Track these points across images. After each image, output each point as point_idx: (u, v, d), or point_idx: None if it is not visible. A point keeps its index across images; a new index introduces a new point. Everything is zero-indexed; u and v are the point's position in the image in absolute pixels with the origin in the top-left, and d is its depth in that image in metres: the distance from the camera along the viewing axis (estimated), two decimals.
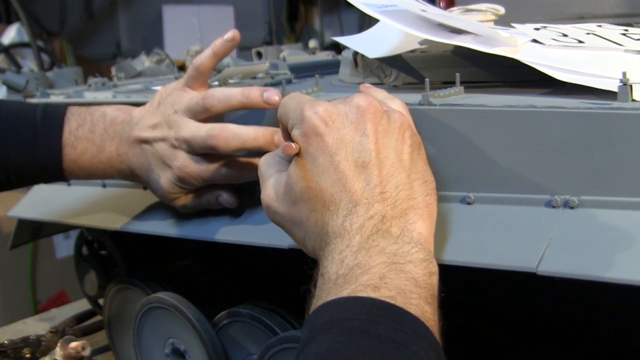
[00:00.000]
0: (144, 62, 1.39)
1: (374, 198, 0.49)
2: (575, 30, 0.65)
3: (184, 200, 0.72)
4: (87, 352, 0.78)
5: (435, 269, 0.48)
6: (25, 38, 2.09)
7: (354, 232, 0.48)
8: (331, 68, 0.95)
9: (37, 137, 0.71)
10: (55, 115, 0.72)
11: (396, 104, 0.56)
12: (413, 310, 0.44)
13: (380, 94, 0.58)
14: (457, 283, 0.69)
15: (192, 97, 0.67)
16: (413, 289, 0.45)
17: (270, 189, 0.55)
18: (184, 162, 0.67)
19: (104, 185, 0.89)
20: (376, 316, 0.42)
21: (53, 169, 0.72)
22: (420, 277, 0.46)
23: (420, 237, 0.49)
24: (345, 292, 0.44)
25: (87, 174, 0.73)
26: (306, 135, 0.51)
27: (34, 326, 1.22)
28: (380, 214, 0.48)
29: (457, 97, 0.58)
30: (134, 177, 0.73)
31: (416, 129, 0.54)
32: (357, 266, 0.46)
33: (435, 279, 0.47)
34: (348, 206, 0.49)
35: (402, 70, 0.67)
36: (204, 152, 0.68)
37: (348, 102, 0.52)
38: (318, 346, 0.42)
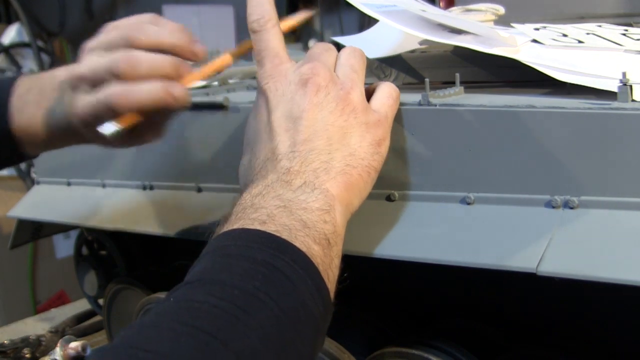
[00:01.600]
0: None
1: (283, 156, 0.52)
2: (575, 30, 0.65)
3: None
4: (87, 352, 0.78)
5: (331, 219, 0.49)
6: (25, 38, 2.09)
7: (258, 182, 0.51)
8: None
9: None
10: (3, 85, 0.67)
11: (385, 88, 0.57)
12: (298, 244, 0.46)
13: (356, 62, 0.58)
14: (458, 283, 0.69)
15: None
16: (300, 228, 0.48)
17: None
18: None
19: (104, 186, 0.89)
20: (256, 243, 0.46)
21: (5, 141, 0.66)
22: (310, 221, 0.48)
23: (325, 192, 0.50)
24: (235, 227, 0.48)
25: (44, 142, 0.67)
26: (258, 89, 0.56)
27: (34, 326, 1.22)
28: (286, 168, 0.51)
29: (457, 97, 0.58)
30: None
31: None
32: (251, 207, 0.49)
33: (329, 227, 0.49)
34: (261, 162, 0.53)
35: (402, 70, 0.67)
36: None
37: (299, 67, 0.55)
38: (197, 268, 0.46)
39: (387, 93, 0.57)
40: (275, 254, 0.45)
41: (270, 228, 0.47)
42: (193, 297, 0.43)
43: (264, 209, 0.48)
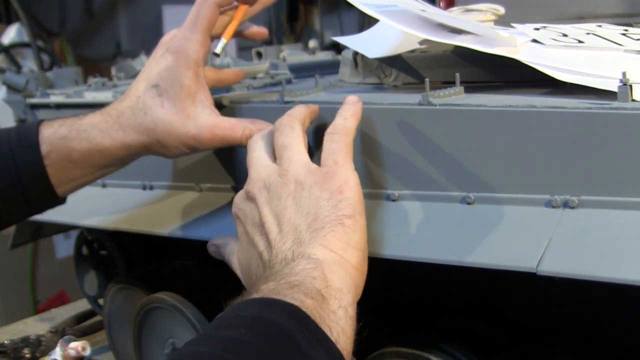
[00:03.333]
0: (143, 62, 1.39)
1: (262, 255, 0.55)
2: (575, 30, 0.65)
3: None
4: (87, 352, 0.78)
5: (319, 275, 0.50)
6: (25, 38, 2.09)
7: (255, 288, 0.52)
8: (331, 68, 0.95)
9: (13, 152, 0.67)
10: (30, 128, 0.69)
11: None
12: (288, 300, 0.47)
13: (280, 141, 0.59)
14: (458, 283, 0.69)
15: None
16: (288, 288, 0.49)
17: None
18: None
19: (104, 185, 0.89)
20: (247, 304, 0.48)
21: (41, 183, 0.68)
22: (297, 280, 0.49)
23: (306, 257, 0.52)
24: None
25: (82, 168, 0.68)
26: (234, 217, 0.60)
27: (34, 326, 1.22)
28: (267, 261, 0.54)
29: (457, 97, 0.58)
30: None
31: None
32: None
33: (319, 283, 0.50)
34: (254, 276, 0.56)
35: (402, 70, 0.67)
36: None
37: (244, 189, 0.59)
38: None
39: (327, 140, 0.58)
40: (262, 309, 0.46)
41: (256, 296, 0.48)
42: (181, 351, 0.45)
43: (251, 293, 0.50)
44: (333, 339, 0.47)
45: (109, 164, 0.69)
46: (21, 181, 0.67)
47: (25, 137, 0.68)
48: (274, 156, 0.59)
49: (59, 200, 0.71)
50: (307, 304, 0.47)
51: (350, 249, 0.53)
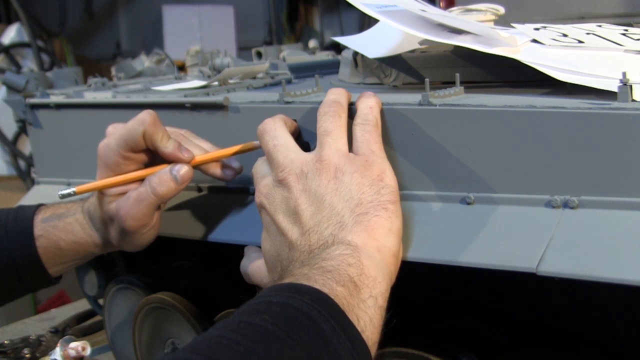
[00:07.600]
0: (143, 62, 1.39)
1: (299, 240, 0.55)
2: (575, 30, 0.65)
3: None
4: (87, 352, 0.78)
5: (355, 262, 0.50)
6: (25, 38, 2.09)
7: (289, 271, 0.53)
8: (331, 68, 0.95)
9: (8, 234, 0.73)
10: (26, 213, 0.74)
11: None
12: (318, 286, 0.47)
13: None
14: (458, 283, 0.69)
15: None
16: (320, 274, 0.49)
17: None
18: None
19: None
20: (272, 290, 0.48)
21: (34, 267, 0.73)
22: (331, 266, 0.49)
23: (346, 242, 0.52)
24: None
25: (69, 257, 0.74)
26: (257, 206, 0.60)
27: (34, 326, 1.22)
28: (307, 246, 0.54)
29: (457, 97, 0.58)
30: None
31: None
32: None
33: (354, 270, 0.50)
34: (286, 261, 0.55)
35: (402, 70, 0.67)
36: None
37: (274, 175, 0.58)
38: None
39: (360, 130, 0.58)
40: (290, 296, 0.46)
41: (287, 281, 0.49)
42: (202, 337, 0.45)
43: (294, 276, 0.50)
44: (359, 329, 0.47)
45: (94, 253, 0.75)
46: (15, 262, 0.73)
47: (21, 220, 0.74)
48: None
49: (52, 281, 0.77)
50: (337, 292, 0.47)
51: (392, 235, 0.54)
